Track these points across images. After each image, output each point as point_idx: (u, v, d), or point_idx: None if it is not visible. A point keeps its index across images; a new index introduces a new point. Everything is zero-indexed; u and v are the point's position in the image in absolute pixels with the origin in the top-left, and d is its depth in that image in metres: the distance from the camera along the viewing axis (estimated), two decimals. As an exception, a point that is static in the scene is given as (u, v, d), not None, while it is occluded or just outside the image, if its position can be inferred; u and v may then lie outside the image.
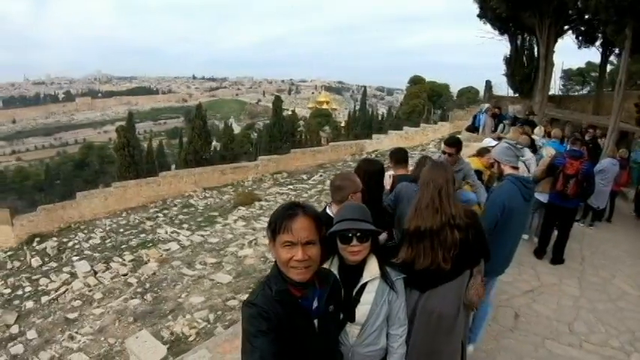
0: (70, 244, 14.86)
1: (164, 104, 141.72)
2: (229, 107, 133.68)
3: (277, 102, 39.92)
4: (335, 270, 1.90)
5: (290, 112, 53.50)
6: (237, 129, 67.11)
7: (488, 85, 25.13)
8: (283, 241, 1.48)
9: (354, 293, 1.88)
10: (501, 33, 19.98)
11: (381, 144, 25.94)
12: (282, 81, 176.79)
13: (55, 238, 16.02)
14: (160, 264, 10.62)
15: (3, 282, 12.02)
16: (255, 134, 53.87)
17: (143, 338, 5.54)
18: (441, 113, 43.57)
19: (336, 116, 74.38)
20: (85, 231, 16.51)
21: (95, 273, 11.11)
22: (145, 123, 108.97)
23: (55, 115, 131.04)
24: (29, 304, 9.88)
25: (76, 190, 22.92)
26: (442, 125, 26.94)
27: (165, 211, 17.40)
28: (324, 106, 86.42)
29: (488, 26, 19.52)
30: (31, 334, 8.01)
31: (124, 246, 13.26)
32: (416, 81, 49.19)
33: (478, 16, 19.07)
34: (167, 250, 11.89)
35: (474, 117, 12.56)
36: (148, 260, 11.14)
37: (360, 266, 1.90)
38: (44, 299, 9.96)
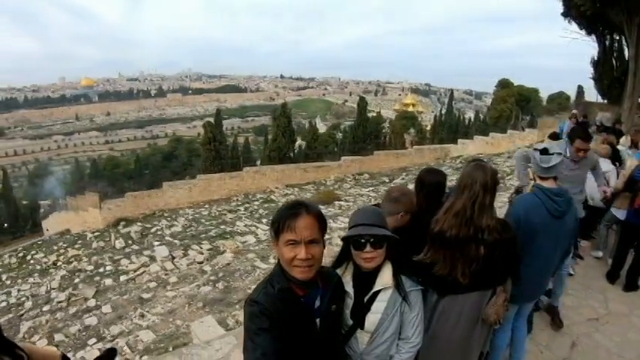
0: (153, 229, 16.83)
1: (252, 102, 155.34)
2: (316, 107, 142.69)
3: (362, 103, 42.11)
4: (349, 276, 2.02)
5: (375, 114, 55.75)
6: (322, 128, 70.16)
7: (580, 90, 25.19)
8: (287, 239, 1.61)
9: (365, 300, 1.97)
10: (588, 33, 19.35)
11: (466, 149, 26.44)
12: (369, 82, 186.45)
13: (139, 223, 18.23)
14: (235, 255, 11.46)
15: (87, 259, 14.06)
16: (340, 134, 56.03)
17: (208, 323, 6.20)
18: (529, 119, 43.60)
19: (421, 119, 76.01)
20: (169, 219, 18.64)
21: (173, 258, 12.43)
22: (232, 120, 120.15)
23: (147, 110, 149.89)
24: (108, 281, 11.30)
25: (163, 180, 25.78)
26: (530, 132, 26.80)
27: (247, 205, 19.05)
28: (410, 109, 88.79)
29: (574, 25, 18.95)
30: (106, 308, 9.12)
31: (203, 235, 14.59)
32: (504, 84, 49.98)
33: (562, 14, 18.68)
34: (244, 242, 12.91)
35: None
36: (224, 251, 12.13)
37: (375, 273, 1.98)
38: (122, 278, 11.34)
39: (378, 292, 1.97)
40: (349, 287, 1.99)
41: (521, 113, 47.01)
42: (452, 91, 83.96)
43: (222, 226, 15.57)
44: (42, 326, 8.82)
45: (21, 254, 17.18)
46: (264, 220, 15.67)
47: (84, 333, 8.08)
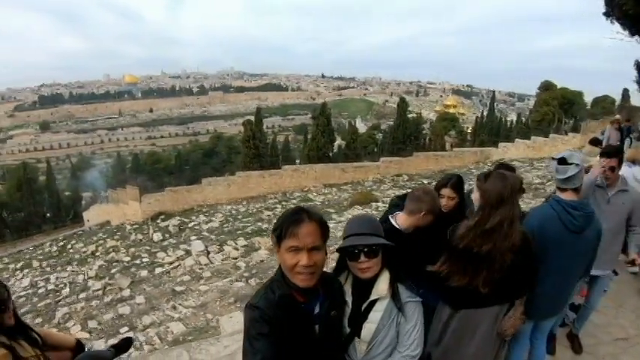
0: (191, 224, 17.25)
1: (293, 101, 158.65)
2: (356, 107, 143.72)
3: (402, 103, 42.31)
4: (349, 285, 2.03)
5: (415, 115, 55.53)
6: (362, 129, 70.42)
7: (625, 93, 24.89)
8: (289, 246, 1.65)
9: (362, 309, 1.98)
10: (632, 34, 18.22)
11: (507, 153, 26.31)
12: (410, 82, 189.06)
13: (177, 218, 18.72)
14: (269, 252, 11.57)
15: (125, 251, 14.54)
16: (381, 135, 56.04)
17: (236, 319, 6.34)
18: (572, 123, 42.99)
19: (463, 121, 76.08)
20: (206, 214, 19.07)
21: (208, 253, 12.69)
22: (273, 118, 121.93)
23: (189, 107, 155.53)
24: (144, 272, 11.67)
25: (203, 176, 26.38)
26: (573, 137, 26.26)
27: (284, 203, 19.33)
28: (451, 110, 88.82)
29: (617, 26, 17.96)
30: (140, 299, 9.42)
31: (239, 232, 14.83)
32: (547, 87, 49.28)
33: (604, 14, 17.70)
34: None
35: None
36: (259, 247, 12.32)
37: (373, 282, 1.99)
38: (158, 270, 11.68)
39: (375, 301, 1.97)
40: (348, 295, 2.01)
41: (564, 117, 46.55)
42: (494, 92, 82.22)
43: (259, 223, 15.79)
44: (77, 313, 9.19)
45: (61, 243, 17.96)
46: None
47: (117, 321, 8.39)
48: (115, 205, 24.46)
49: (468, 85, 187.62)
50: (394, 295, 1.97)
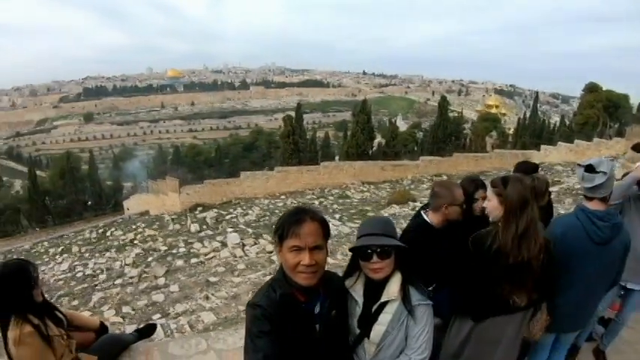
0: (228, 217, 17.42)
1: (334, 97, 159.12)
2: (397, 105, 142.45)
3: (443, 102, 41.71)
4: (361, 286, 2.04)
5: (457, 114, 55.13)
6: (403, 127, 69.50)
7: None
8: (290, 245, 1.67)
9: (373, 310, 1.99)
10: None
11: (549, 156, 25.98)
12: (452, 81, 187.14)
13: (215, 210, 19.00)
14: None
15: (162, 240, 14.83)
16: (421, 134, 55.42)
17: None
18: (617, 127, 41.68)
19: (504, 122, 74.36)
20: (244, 207, 19.25)
21: (243, 246, 12.78)
22: (314, 114, 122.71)
23: (231, 101, 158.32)
24: (179, 262, 11.82)
25: (242, 169, 26.92)
26: (617, 142, 25.66)
27: (322, 199, 19.38)
28: (493, 110, 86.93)
29: None
30: (174, 287, 9.54)
31: (275, 226, 15.15)
32: (591, 89, 47.29)
33: None
34: None
35: None
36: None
37: (384, 283, 1.99)
38: (193, 261, 11.82)
39: (385, 303, 1.98)
40: (359, 296, 2.03)
41: (609, 120, 44.77)
42: (537, 93, 79.84)
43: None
44: (112, 297, 9.40)
45: (101, 230, 18.48)
46: (336, 216, 15.79)
47: (150, 308, 8.51)
48: (155, 196, 25.15)
49: (510, 85, 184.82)
50: (405, 298, 1.98)
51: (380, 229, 1.98)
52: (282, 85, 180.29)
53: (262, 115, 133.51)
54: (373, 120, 38.29)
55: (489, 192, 2.48)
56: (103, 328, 3.29)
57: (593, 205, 2.54)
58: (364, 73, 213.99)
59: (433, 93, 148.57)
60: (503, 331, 2.36)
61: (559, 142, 28.80)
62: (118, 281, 10.75)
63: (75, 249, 15.59)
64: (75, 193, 36.89)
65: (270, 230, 14.24)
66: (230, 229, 15.09)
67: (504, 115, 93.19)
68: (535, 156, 26.48)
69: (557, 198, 12.54)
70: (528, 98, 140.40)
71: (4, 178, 53.15)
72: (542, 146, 28.70)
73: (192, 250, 13.15)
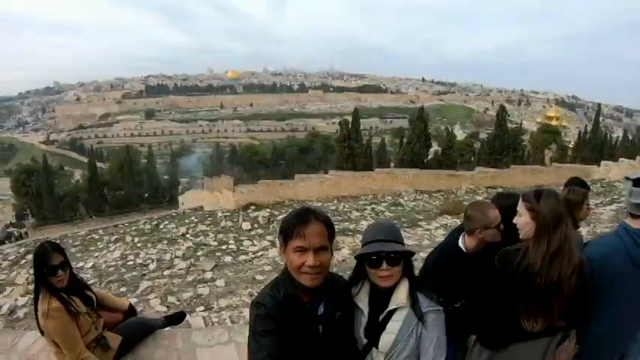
0: (280, 217, 17.38)
1: (392, 103, 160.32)
2: (456, 113, 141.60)
3: (502, 112, 40.95)
4: (366, 294, 2.02)
5: (516, 125, 53.43)
6: (460, 136, 68.57)
7: None
8: (295, 246, 1.71)
9: (380, 319, 1.96)
10: None
11: (609, 172, 24.70)
12: (513, 91, 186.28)
13: (267, 210, 19.12)
14: (352, 253, 11.22)
15: (213, 236, 15.04)
16: (479, 144, 54.12)
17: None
18: None
19: (565, 134, 73.01)
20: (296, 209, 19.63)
21: (292, 247, 13.14)
22: (371, 119, 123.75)
23: (289, 104, 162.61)
24: (227, 258, 11.94)
25: (297, 171, 27.26)
26: None
27: (374, 206, 19.20)
28: (553, 122, 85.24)
29: None
30: (220, 282, 9.60)
31: (325, 229, 15.15)
32: None
33: None
34: None
35: None
36: (343, 247, 12.06)
37: (391, 291, 1.97)
38: (242, 258, 11.89)
39: (393, 311, 1.96)
40: (364, 305, 2.02)
41: None
42: (599, 105, 76.07)
43: (346, 223, 15.67)
44: (159, 287, 9.60)
45: (155, 222, 19.03)
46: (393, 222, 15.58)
47: (194, 300, 8.63)
48: (210, 193, 25.90)
49: (573, 97, 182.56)
50: (414, 304, 1.95)
51: (388, 234, 1.97)
52: (341, 89, 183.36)
53: (320, 118, 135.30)
54: (430, 128, 38.05)
55: (521, 206, 2.32)
56: (131, 311, 3.48)
57: (639, 224, 2.28)
58: (423, 79, 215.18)
59: (493, 102, 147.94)
60: (527, 357, 2.21)
61: (621, 158, 27.41)
62: (167, 272, 10.98)
63: (128, 238, 16.11)
64: (132, 185, 38.60)
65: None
66: (280, 230, 15.21)
67: (565, 127, 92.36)
68: (594, 171, 25.69)
69: (616, 217, 11.78)
70: (590, 111, 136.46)
71: (66, 168, 56.53)
72: (603, 162, 27.53)
73: (241, 248, 13.28)
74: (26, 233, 29.00)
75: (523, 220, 2.28)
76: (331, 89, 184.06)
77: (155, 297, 8.90)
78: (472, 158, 43.39)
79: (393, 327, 1.94)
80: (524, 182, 23.45)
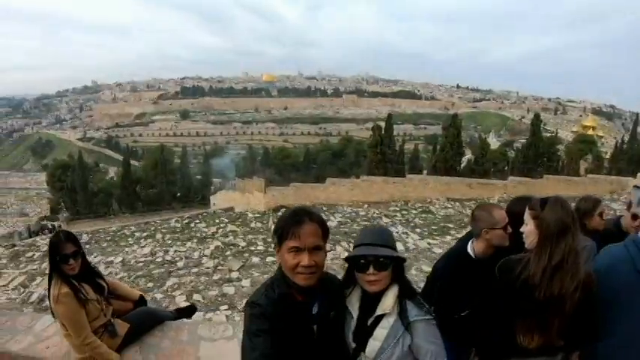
0: (309, 220, 18.01)
1: (426, 110, 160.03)
2: (491, 121, 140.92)
3: (536, 121, 40.11)
4: (357, 298, 1.97)
5: (551, 134, 53.09)
6: (495, 144, 67.56)
7: None
8: (290, 247, 1.70)
9: (368, 323, 1.92)
10: None
11: None
12: (549, 99, 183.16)
13: (298, 212, 19.71)
14: None
15: (242, 236, 15.16)
16: (513, 152, 53.04)
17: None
18: None
19: (601, 145, 70.64)
20: (326, 213, 19.25)
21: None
22: (405, 125, 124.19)
23: (323, 108, 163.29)
24: (255, 259, 11.99)
25: (329, 176, 27.32)
26: None
27: (404, 212, 19.08)
28: (590, 132, 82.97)
29: None
30: (246, 282, 9.72)
31: (354, 234, 14.86)
32: None
33: None
34: None
35: None
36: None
37: (380, 296, 1.91)
38: (269, 259, 11.86)
39: (381, 317, 1.91)
40: (354, 309, 1.97)
41: None
42: (637, 115, 73.00)
43: (376, 229, 15.68)
44: (185, 285, 9.73)
45: (186, 221, 19.35)
46: (417, 230, 15.44)
47: (219, 299, 8.70)
48: (241, 194, 26.19)
49: (610, 106, 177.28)
50: (401, 313, 1.90)
51: (378, 239, 1.92)
52: (375, 94, 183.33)
53: (354, 123, 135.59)
54: (465, 135, 37.54)
55: (526, 214, 2.26)
56: (141, 300, 3.60)
57: None
58: (458, 86, 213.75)
59: (528, 110, 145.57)
60: None
61: (658, 171, 26.26)
62: (194, 270, 11.12)
63: (159, 235, 16.42)
64: (165, 184, 39.28)
65: (348, 238, 14.15)
66: (309, 233, 15.23)
67: (601, 137, 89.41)
68: (631, 184, 24.30)
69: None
70: (628, 121, 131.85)
71: (101, 165, 57.97)
72: (639, 174, 26.58)
73: (269, 249, 13.31)
74: (59, 226, 29.78)
75: (528, 228, 2.22)
76: (365, 94, 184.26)
77: (181, 294, 9.02)
78: (506, 167, 42.77)
79: (380, 334, 1.90)
80: (557, 193, 22.93)
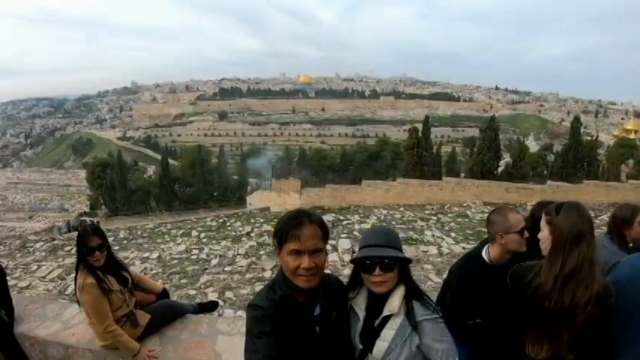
0: (344, 222, 17.39)
1: (464, 112, 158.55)
2: (530, 123, 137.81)
3: (576, 124, 38.67)
4: (363, 299, 2.01)
5: (591, 138, 50.67)
6: (534, 147, 66.33)
7: None
8: (290, 249, 1.73)
9: (375, 325, 1.95)
10: None
11: None
12: (590, 101, 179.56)
13: (333, 214, 19.08)
14: (413, 263, 11.46)
15: (276, 238, 15.86)
16: (553, 156, 51.44)
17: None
18: None
19: None
20: (361, 215, 19.18)
21: (353, 252, 12.49)
22: (443, 128, 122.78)
23: (360, 109, 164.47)
24: None
25: (365, 178, 27.22)
26: None
27: (440, 216, 18.85)
28: (631, 136, 79.41)
29: None
30: (277, 281, 10.18)
31: (388, 237, 14.95)
32: None
33: None
34: (425, 252, 12.68)
35: None
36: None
37: (387, 297, 1.94)
38: (301, 259, 12.44)
39: (388, 318, 1.94)
40: (360, 310, 2.01)
41: None
42: None
43: (410, 232, 15.43)
44: (218, 282, 9.81)
45: (222, 220, 19.53)
46: (452, 234, 15.24)
47: (251, 296, 8.68)
48: (277, 194, 26.43)
49: None
50: (408, 313, 1.92)
51: (383, 240, 1.95)
52: (413, 96, 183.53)
53: (391, 125, 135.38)
54: (503, 138, 36.84)
55: (542, 220, 2.18)
56: (164, 293, 3.82)
57: None
58: (496, 88, 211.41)
59: (568, 113, 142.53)
60: None
61: (702, 176, 24.92)
62: (228, 268, 11.21)
63: (194, 233, 16.63)
64: (202, 183, 39.92)
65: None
66: (343, 235, 15.11)
67: None
68: None
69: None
70: None
71: (140, 163, 59.40)
72: None
73: (302, 250, 13.39)
74: (98, 222, 30.60)
75: (544, 234, 2.13)
76: (403, 96, 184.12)
77: (213, 291, 9.11)
78: (544, 171, 41.70)
79: (387, 334, 1.92)
80: (597, 198, 22.38)
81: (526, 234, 2.54)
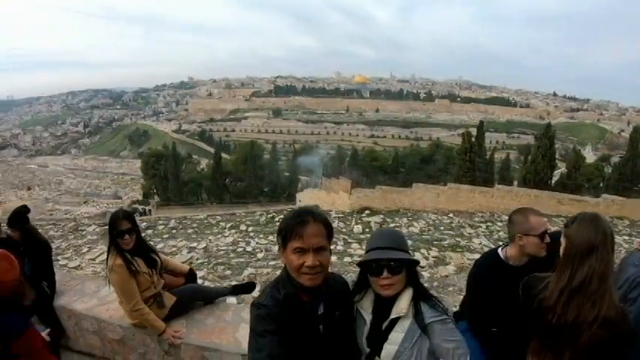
0: (392, 224, 17.32)
1: (520, 118, 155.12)
2: (588, 132, 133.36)
3: (636, 135, 36.50)
4: (370, 302, 1.99)
5: None
6: (590, 158, 63.62)
7: None
8: (294, 247, 1.73)
9: (383, 328, 1.93)
10: None
11: None
12: None
13: (381, 216, 19.06)
14: (457, 270, 11.19)
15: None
16: (610, 168, 48.82)
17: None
18: None
19: None
20: (410, 218, 18.97)
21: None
22: (498, 133, 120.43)
23: (414, 112, 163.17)
24: (332, 258, 12.37)
25: (416, 180, 26.92)
26: None
27: (489, 224, 18.43)
28: None
29: None
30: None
31: (435, 242, 14.40)
32: None
33: None
34: (471, 260, 12.27)
35: None
36: (450, 263, 11.94)
37: (394, 300, 1.92)
38: (346, 259, 11.88)
39: (396, 321, 1.91)
40: (367, 313, 1.99)
41: None
42: None
43: (458, 239, 15.21)
44: (261, 275, 9.95)
45: (271, 215, 19.77)
46: (500, 244, 14.70)
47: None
48: (327, 193, 26.48)
49: None
50: (417, 315, 1.90)
51: (391, 242, 1.93)
52: (468, 100, 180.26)
53: (445, 129, 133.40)
54: (559, 147, 35.39)
55: (562, 232, 2.09)
56: (192, 275, 3.97)
57: None
58: (554, 94, 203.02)
59: (628, 123, 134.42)
60: None
61: None
62: (272, 263, 11.34)
63: (243, 227, 16.90)
64: (253, 178, 40.65)
65: (429, 245, 13.87)
66: (389, 237, 15.03)
67: None
68: None
69: None
70: None
71: (193, 156, 61.04)
72: None
73: (348, 250, 13.30)
74: (150, 211, 31.77)
75: (562, 246, 2.04)
76: (458, 99, 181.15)
77: (256, 283, 9.21)
78: (600, 184, 39.73)
79: (396, 337, 1.90)
80: (654, 216, 21.21)
81: (547, 239, 2.47)
